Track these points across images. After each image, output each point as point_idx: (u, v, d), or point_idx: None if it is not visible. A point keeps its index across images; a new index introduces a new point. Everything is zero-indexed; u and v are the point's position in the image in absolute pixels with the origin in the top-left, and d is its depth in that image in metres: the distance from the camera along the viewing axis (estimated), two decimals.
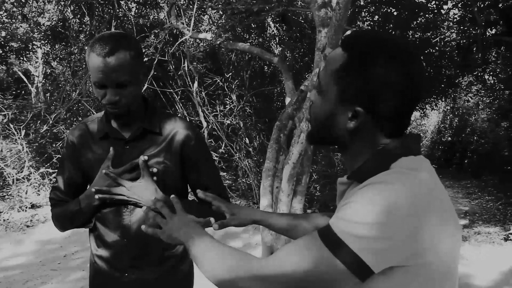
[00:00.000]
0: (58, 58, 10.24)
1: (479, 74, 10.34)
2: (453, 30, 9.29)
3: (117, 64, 1.24)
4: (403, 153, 0.83)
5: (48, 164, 7.01)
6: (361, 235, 0.71)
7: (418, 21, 8.05)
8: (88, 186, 1.50)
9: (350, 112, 0.83)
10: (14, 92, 8.93)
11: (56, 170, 1.60)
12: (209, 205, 1.51)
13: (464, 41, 8.91)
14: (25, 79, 10.42)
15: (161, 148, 1.42)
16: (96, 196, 1.37)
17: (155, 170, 1.39)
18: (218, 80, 7.84)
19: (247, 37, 8.80)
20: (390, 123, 0.84)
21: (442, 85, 10.51)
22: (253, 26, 8.16)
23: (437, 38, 8.84)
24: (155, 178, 1.38)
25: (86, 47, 8.21)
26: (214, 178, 1.53)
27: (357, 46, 0.83)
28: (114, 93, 1.29)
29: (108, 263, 1.44)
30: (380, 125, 0.84)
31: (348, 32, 5.09)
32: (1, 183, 6.87)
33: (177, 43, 6.92)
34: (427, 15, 7.78)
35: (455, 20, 8.94)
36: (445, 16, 8.57)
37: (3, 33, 8.83)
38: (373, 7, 8.11)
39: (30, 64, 10.51)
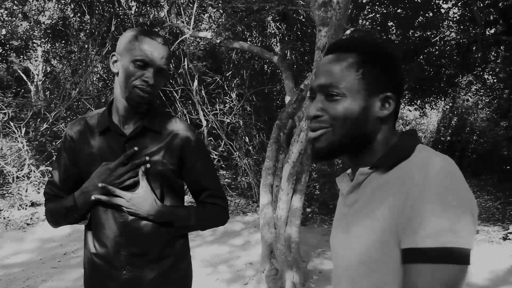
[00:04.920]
0: (58, 57, 10.25)
1: (479, 73, 10.35)
2: (453, 29, 9.30)
3: (166, 53, 1.40)
4: (419, 142, 0.89)
5: (48, 162, 7.02)
6: (456, 233, 0.74)
7: (419, 20, 8.05)
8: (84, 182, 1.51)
9: (381, 100, 0.89)
10: (14, 90, 8.91)
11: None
12: (206, 207, 1.53)
13: (464, 40, 8.91)
14: (25, 77, 10.42)
15: (161, 147, 1.44)
16: (93, 197, 1.38)
17: (148, 165, 1.39)
18: (218, 79, 7.85)
19: (247, 35, 8.80)
20: (399, 104, 0.94)
21: (442, 84, 10.51)
22: (253, 25, 8.16)
23: (437, 37, 8.85)
24: (144, 176, 1.39)
25: (86, 45, 8.21)
26: (212, 179, 1.54)
27: (361, 44, 0.91)
28: (153, 76, 1.37)
29: (105, 261, 1.43)
30: (396, 108, 0.92)
31: (348, 32, 5.09)
32: (1, 181, 6.88)
33: (177, 42, 6.92)
34: (427, 14, 7.78)
35: (455, 19, 8.95)
36: (445, 15, 8.57)
37: (4, 31, 8.83)
38: (375, 6, 8.11)
39: (30, 63, 10.51)
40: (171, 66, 7.57)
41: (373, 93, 0.89)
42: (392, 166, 0.86)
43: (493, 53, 9.63)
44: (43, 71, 10.58)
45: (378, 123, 0.90)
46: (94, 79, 9.50)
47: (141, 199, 1.37)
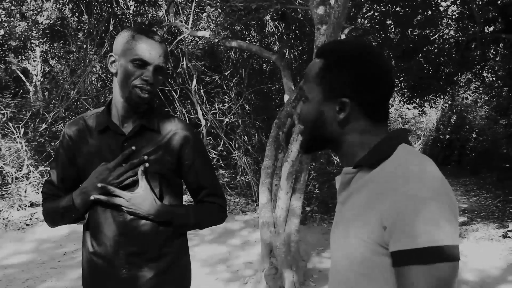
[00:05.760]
0: (56, 57, 10.23)
1: (478, 71, 10.34)
2: (451, 28, 9.28)
3: (164, 51, 1.40)
4: (404, 140, 0.92)
5: (47, 162, 7.01)
6: (439, 230, 0.76)
7: (418, 19, 8.04)
8: (81, 182, 1.50)
9: (337, 105, 0.92)
10: (12, 91, 8.91)
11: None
12: (204, 206, 1.53)
13: (463, 38, 8.89)
14: (23, 78, 10.40)
15: (159, 146, 1.44)
16: (92, 197, 1.38)
17: (147, 165, 1.39)
18: (217, 78, 7.84)
19: (246, 34, 8.79)
20: (373, 107, 0.93)
21: (441, 83, 10.49)
22: (252, 23, 8.15)
23: (436, 36, 8.83)
24: (143, 175, 1.39)
25: (84, 45, 8.20)
26: (210, 178, 1.55)
27: (329, 50, 0.96)
28: (152, 74, 1.37)
29: (104, 260, 1.43)
30: (364, 110, 0.92)
31: (347, 31, 5.10)
32: (1, 182, 6.87)
33: (175, 41, 6.92)
34: (426, 13, 7.76)
35: (453, 17, 8.93)
36: (443, 13, 8.56)
37: (1, 32, 8.81)
38: (374, 5, 8.10)
39: (28, 63, 10.49)
40: (169, 65, 7.56)
41: (329, 97, 0.93)
42: (374, 165, 0.89)
43: (492, 51, 9.61)
44: (42, 71, 10.57)
45: (339, 126, 0.93)
46: (93, 79, 9.48)
47: (141, 198, 1.37)
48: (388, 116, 0.97)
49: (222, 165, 8.16)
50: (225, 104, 8.06)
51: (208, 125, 7.58)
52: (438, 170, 0.84)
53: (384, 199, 0.81)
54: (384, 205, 0.81)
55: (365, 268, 0.86)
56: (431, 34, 8.77)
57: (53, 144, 7.41)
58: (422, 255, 0.75)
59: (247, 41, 7.84)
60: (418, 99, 12.04)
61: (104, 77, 9.56)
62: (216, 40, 6.18)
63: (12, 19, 8.84)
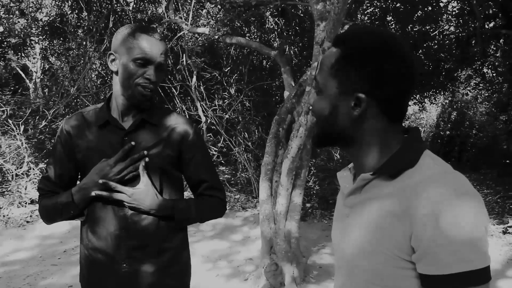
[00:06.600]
0: (56, 54, 10.21)
1: (478, 67, 10.32)
2: (452, 23, 9.26)
3: (164, 48, 1.42)
4: (425, 146, 0.87)
5: (47, 159, 7.00)
6: (474, 254, 0.75)
7: (418, 15, 8.02)
8: (80, 178, 1.50)
9: (352, 100, 0.86)
10: (12, 88, 8.89)
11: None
12: (205, 200, 1.53)
13: (463, 34, 8.87)
14: (23, 75, 10.39)
15: (160, 140, 1.45)
16: (93, 193, 1.38)
17: (147, 159, 1.40)
18: (217, 75, 7.83)
19: (246, 31, 8.77)
20: (391, 105, 0.87)
21: (441, 79, 10.48)
22: (252, 20, 8.13)
23: (436, 32, 8.81)
24: (145, 171, 1.39)
25: (84, 42, 8.18)
26: (210, 172, 1.56)
27: (348, 39, 0.87)
28: (154, 72, 1.38)
29: (105, 255, 1.43)
30: (381, 108, 0.86)
31: (346, 27, 5.09)
32: (1, 179, 6.87)
33: (175, 38, 6.90)
34: (426, 9, 7.74)
35: (454, 13, 8.91)
36: (444, 9, 8.53)
37: (1, 29, 8.79)
38: (374, 1, 8.08)
39: (28, 60, 10.47)
40: (169, 62, 7.55)
41: (344, 92, 0.86)
42: (396, 175, 0.84)
43: (492, 47, 9.59)
44: (41, 68, 10.55)
45: (354, 122, 0.87)
46: (93, 76, 9.46)
47: (143, 194, 1.37)
48: (404, 116, 0.91)
49: (222, 161, 8.16)
50: (225, 100, 8.05)
51: (208, 121, 7.57)
52: (470, 184, 0.80)
53: (417, 219, 0.77)
54: (416, 225, 0.77)
55: (389, 280, 0.84)
56: (431, 30, 8.75)
57: (53, 141, 7.41)
58: (457, 281, 0.74)
59: (247, 38, 7.82)
60: (418, 95, 12.02)
61: (104, 74, 9.55)
62: (216, 37, 6.16)
63: (11, 16, 8.81)
